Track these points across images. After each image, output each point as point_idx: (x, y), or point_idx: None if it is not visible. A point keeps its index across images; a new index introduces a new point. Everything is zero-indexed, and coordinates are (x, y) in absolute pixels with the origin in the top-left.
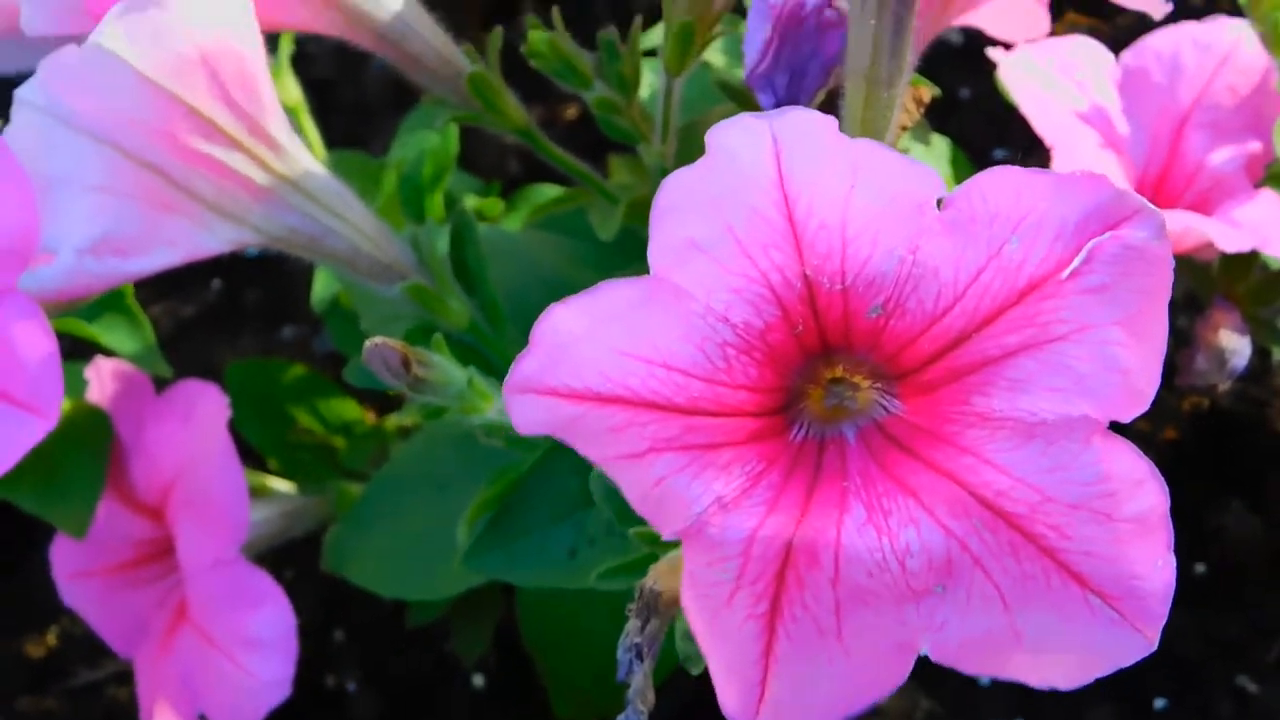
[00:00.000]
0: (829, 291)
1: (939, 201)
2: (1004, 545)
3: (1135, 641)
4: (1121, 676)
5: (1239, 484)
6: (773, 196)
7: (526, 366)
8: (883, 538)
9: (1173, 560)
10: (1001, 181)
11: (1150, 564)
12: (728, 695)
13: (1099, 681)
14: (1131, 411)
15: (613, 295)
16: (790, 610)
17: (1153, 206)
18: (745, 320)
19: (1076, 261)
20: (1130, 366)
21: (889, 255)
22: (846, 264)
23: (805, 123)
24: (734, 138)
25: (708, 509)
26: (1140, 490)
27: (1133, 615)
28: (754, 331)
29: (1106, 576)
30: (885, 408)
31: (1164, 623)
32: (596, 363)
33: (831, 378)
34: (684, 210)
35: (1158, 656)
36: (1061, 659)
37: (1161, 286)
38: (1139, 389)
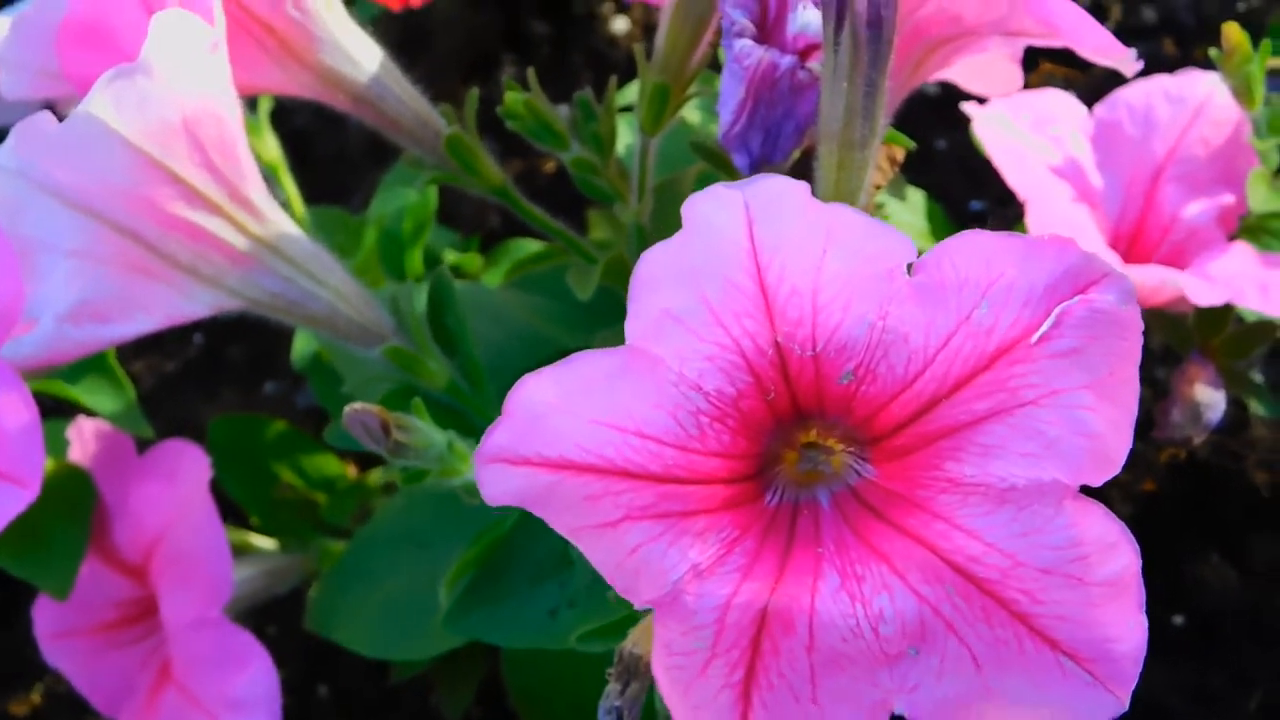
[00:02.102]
0: (800, 358)
1: (909, 266)
2: (976, 610)
3: (1107, 702)
4: None
5: (1217, 536)
6: (745, 265)
7: (499, 437)
8: (856, 604)
9: (1144, 621)
10: (970, 247)
11: (1123, 626)
12: None
13: None
14: (1103, 475)
15: (587, 366)
16: (766, 678)
17: (1120, 270)
18: (718, 388)
19: (1045, 326)
20: (1100, 430)
21: (859, 321)
22: (818, 331)
23: (777, 190)
24: (707, 208)
25: (684, 576)
26: (1113, 553)
27: (1105, 676)
28: (727, 399)
29: (1080, 640)
30: (858, 472)
31: (1135, 683)
32: (571, 432)
33: (805, 442)
34: (660, 282)
35: (1138, 707)
36: (1033, 716)
37: (1131, 350)
38: (1109, 453)
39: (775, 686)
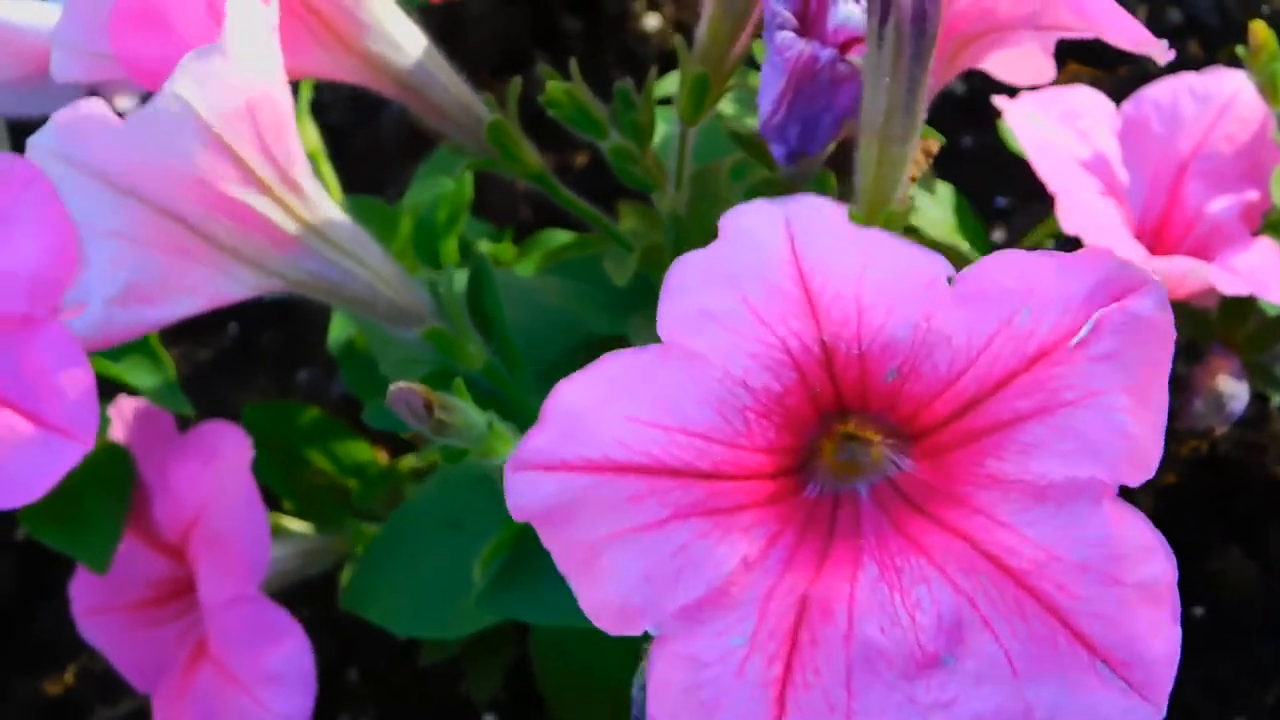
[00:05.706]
0: (846, 355)
1: (950, 280)
2: (1010, 604)
3: (1142, 710)
4: None
5: (1238, 529)
6: (788, 271)
7: (538, 441)
8: (895, 594)
9: (1178, 631)
10: (1010, 260)
11: (1157, 632)
12: None
13: None
14: (1137, 477)
15: (621, 365)
16: (802, 674)
17: (1156, 279)
18: (765, 385)
19: (1085, 330)
20: (1136, 432)
21: (904, 323)
22: (863, 330)
23: (816, 207)
24: (748, 220)
25: (734, 569)
26: (1150, 557)
27: (1140, 684)
28: (773, 395)
29: (1114, 642)
30: (897, 465)
31: (1169, 693)
32: (614, 431)
33: (844, 432)
34: (697, 286)
35: None
36: None
37: (1164, 355)
38: (1144, 454)
39: (811, 687)
